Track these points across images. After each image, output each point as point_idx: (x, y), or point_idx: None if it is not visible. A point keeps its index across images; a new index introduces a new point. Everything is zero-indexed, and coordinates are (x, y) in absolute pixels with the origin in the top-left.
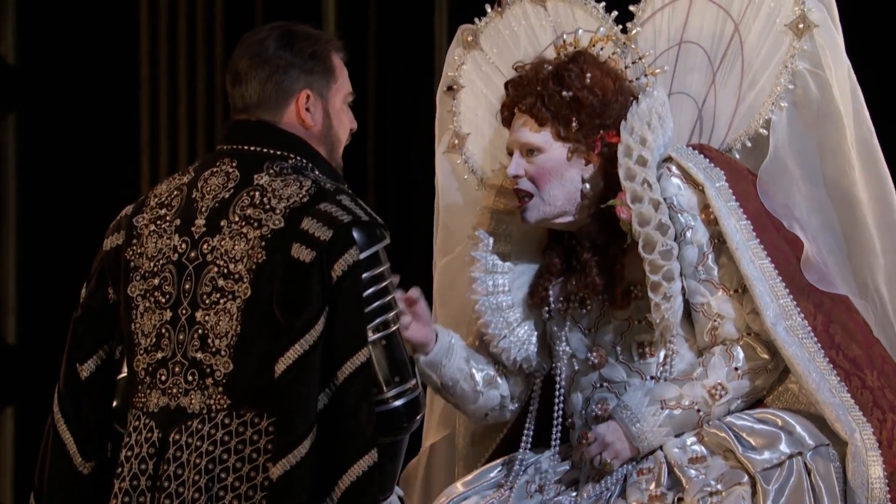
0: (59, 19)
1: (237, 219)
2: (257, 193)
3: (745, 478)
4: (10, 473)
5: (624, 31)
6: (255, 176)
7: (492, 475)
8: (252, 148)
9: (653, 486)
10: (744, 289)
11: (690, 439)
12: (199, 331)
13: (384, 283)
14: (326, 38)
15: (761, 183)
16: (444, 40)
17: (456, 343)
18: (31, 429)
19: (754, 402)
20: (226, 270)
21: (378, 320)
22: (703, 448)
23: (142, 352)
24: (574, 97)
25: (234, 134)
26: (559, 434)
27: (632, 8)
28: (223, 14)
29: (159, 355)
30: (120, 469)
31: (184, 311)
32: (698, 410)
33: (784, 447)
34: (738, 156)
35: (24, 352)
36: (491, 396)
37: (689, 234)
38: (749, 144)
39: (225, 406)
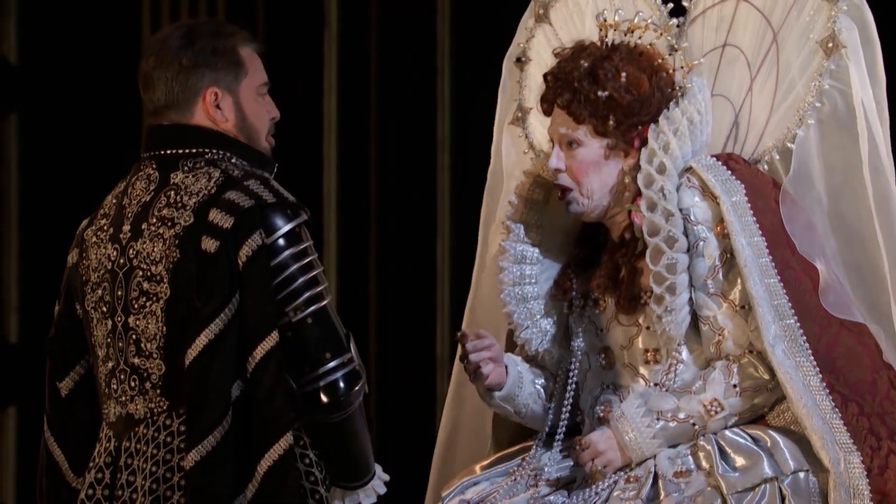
0: (61, 19)
1: (155, 220)
2: (172, 192)
3: (719, 500)
4: (13, 473)
5: (678, 26)
6: (172, 175)
7: (508, 462)
8: (169, 151)
9: (632, 494)
10: (750, 306)
11: (684, 450)
12: (133, 336)
13: (307, 260)
14: (230, 31)
15: (784, 199)
16: (445, 40)
17: (523, 370)
18: (33, 428)
19: (755, 418)
20: (149, 273)
21: (304, 296)
22: (691, 462)
23: (99, 363)
24: (609, 97)
25: (151, 139)
26: (564, 428)
27: (685, 3)
28: (225, 14)
29: (110, 365)
30: (83, 479)
31: (119, 319)
32: (693, 424)
33: (763, 470)
34: (766, 167)
35: (26, 351)
36: (555, 408)
37: (701, 247)
38: (777, 157)
39: (164, 408)
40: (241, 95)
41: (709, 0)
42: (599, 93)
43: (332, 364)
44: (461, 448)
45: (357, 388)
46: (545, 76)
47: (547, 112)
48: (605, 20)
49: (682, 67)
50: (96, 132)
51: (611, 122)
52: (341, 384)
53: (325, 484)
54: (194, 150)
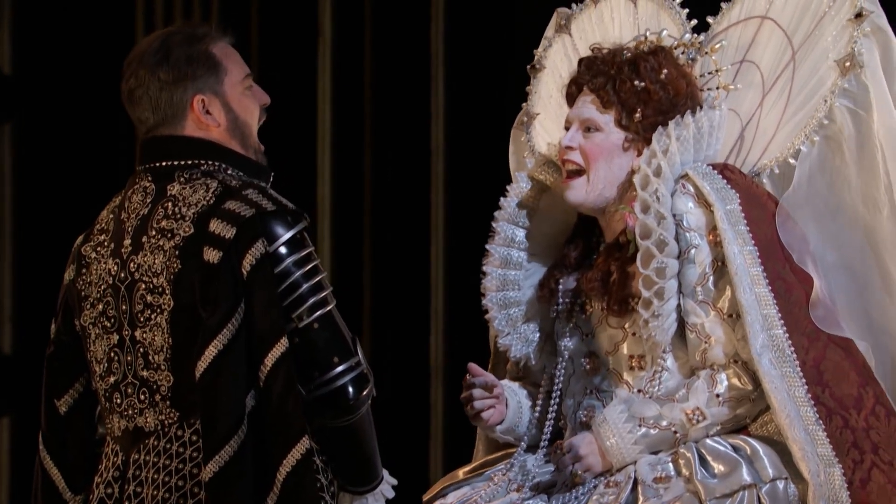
0: (55, 29)
1: (154, 232)
2: (170, 204)
3: None
4: (7, 483)
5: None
6: (168, 187)
7: (491, 468)
8: (164, 163)
9: (611, 499)
10: (738, 315)
11: (665, 457)
12: (141, 349)
13: (310, 265)
14: (201, 34)
15: (781, 212)
16: (439, 48)
17: (521, 398)
18: (27, 439)
19: (737, 429)
20: (151, 285)
21: (310, 302)
22: (672, 468)
23: (98, 378)
24: (645, 88)
25: (145, 152)
26: (549, 434)
27: (710, 20)
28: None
29: (112, 379)
30: (90, 496)
31: (126, 333)
32: (675, 432)
33: (742, 477)
34: (765, 181)
35: (20, 362)
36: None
37: (692, 253)
38: (777, 171)
39: (175, 419)
40: (227, 95)
41: (733, 18)
42: (636, 82)
43: (340, 368)
44: None
45: (366, 391)
46: (580, 61)
47: (570, 97)
48: (647, 37)
49: (718, 88)
50: (90, 142)
51: (637, 115)
52: (350, 388)
53: (331, 491)
54: (189, 162)
